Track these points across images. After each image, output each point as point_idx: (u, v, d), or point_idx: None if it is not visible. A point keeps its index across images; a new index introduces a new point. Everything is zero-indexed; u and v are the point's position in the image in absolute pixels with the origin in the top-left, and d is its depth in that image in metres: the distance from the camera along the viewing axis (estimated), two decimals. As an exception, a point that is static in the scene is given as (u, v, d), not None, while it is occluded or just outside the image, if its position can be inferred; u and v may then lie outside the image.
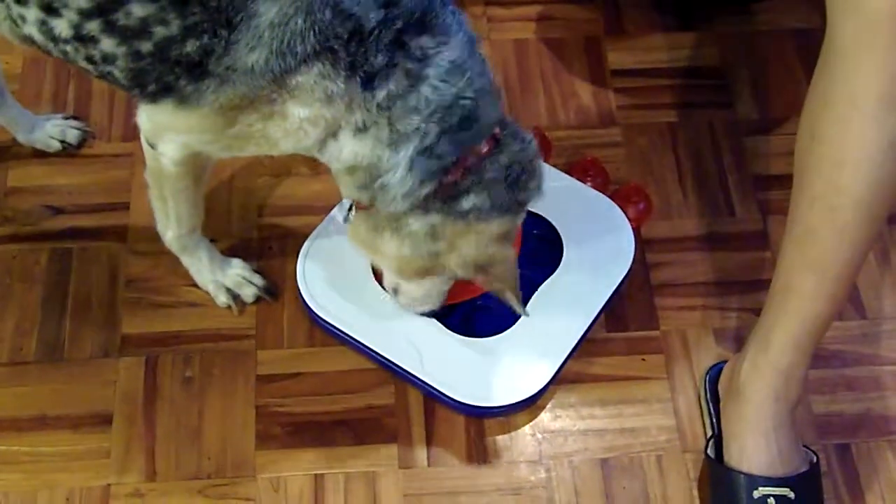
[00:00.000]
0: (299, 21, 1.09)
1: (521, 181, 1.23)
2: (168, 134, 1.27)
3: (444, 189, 1.20)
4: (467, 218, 1.22)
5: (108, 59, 1.16)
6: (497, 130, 1.21)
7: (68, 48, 1.17)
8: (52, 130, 1.67)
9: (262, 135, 1.19)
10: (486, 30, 1.85)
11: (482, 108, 1.18)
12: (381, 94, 1.13)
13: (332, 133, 1.18)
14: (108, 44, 1.14)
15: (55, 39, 1.17)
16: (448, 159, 1.18)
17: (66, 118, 1.69)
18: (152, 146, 1.30)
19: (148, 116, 1.26)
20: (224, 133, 1.20)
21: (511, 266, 1.26)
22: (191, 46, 1.12)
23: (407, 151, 1.16)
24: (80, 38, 1.15)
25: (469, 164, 1.20)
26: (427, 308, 1.41)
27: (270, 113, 1.16)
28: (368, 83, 1.12)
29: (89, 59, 1.17)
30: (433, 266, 1.28)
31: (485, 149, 1.20)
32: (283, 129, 1.18)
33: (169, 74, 1.15)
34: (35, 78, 1.76)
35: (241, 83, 1.13)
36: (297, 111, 1.15)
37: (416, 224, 1.24)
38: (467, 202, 1.21)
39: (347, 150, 1.19)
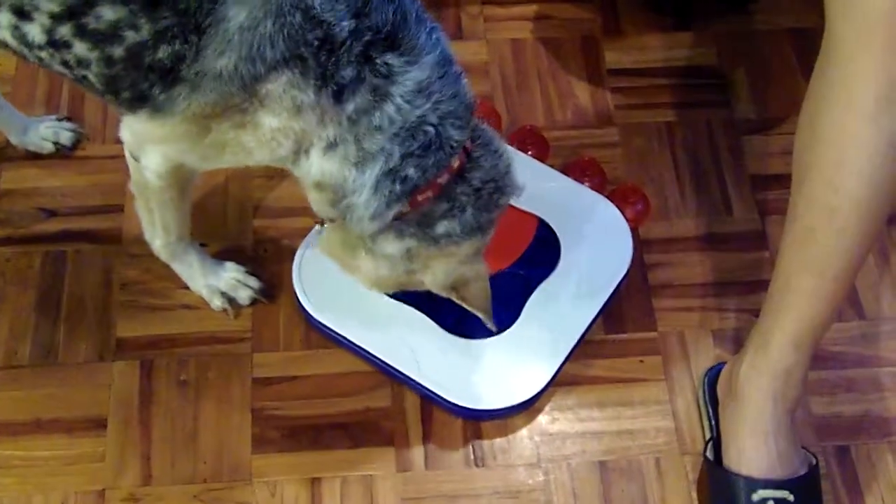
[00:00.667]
0: (269, 25, 1.07)
1: (492, 200, 1.23)
2: (148, 145, 1.26)
3: (416, 210, 1.19)
4: (440, 243, 1.23)
5: (82, 63, 1.15)
6: (468, 144, 1.20)
7: (43, 54, 1.16)
8: (45, 132, 1.66)
9: (237, 144, 1.18)
10: (483, 29, 1.84)
11: (446, 133, 1.15)
12: (349, 108, 1.12)
13: (305, 148, 1.16)
14: (80, 48, 1.13)
15: (29, 45, 1.16)
16: (412, 183, 1.16)
17: (60, 120, 1.68)
18: (136, 159, 1.30)
19: (129, 128, 1.26)
20: (200, 142, 1.19)
21: (483, 282, 1.28)
22: (163, 52, 1.10)
23: (373, 172, 1.15)
24: (54, 43, 1.14)
25: (440, 181, 1.18)
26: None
27: (242, 122, 1.15)
28: (339, 95, 1.11)
29: (65, 64, 1.16)
30: (409, 282, 1.29)
31: (456, 164, 1.19)
32: (255, 139, 1.16)
33: (143, 81, 1.14)
34: (28, 80, 1.75)
35: (211, 90, 1.12)
36: (268, 121, 1.14)
37: (392, 248, 1.24)
38: (441, 227, 1.21)
39: (316, 167, 1.18)
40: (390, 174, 1.15)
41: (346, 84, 1.10)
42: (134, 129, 1.24)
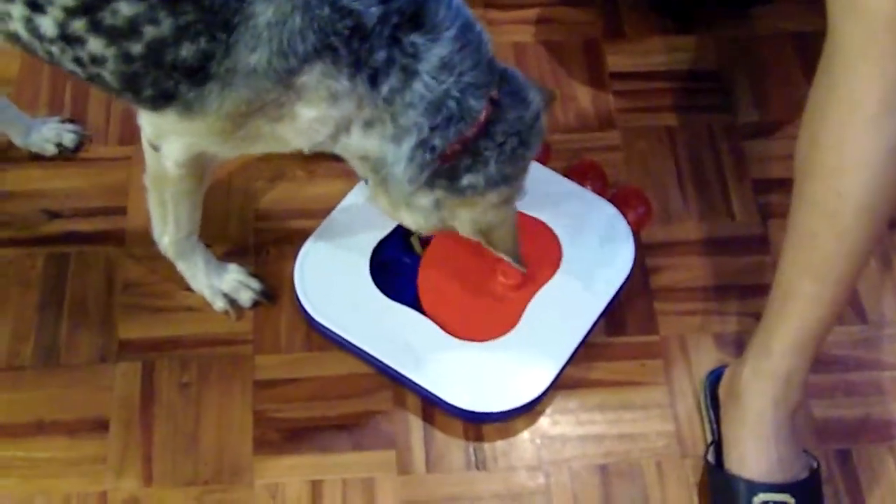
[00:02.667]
0: (297, 19, 1.09)
1: (516, 154, 1.26)
2: (172, 136, 1.26)
3: (444, 163, 1.23)
4: (465, 194, 1.27)
5: (96, 60, 1.15)
6: (494, 93, 1.23)
7: (54, 48, 1.16)
8: (49, 134, 1.66)
9: (273, 136, 1.21)
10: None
11: (466, 104, 1.20)
12: (385, 90, 1.16)
13: (345, 128, 1.21)
14: (95, 44, 1.13)
15: (41, 38, 1.15)
16: (439, 150, 1.21)
17: (63, 122, 1.68)
18: (155, 148, 1.30)
19: (150, 122, 1.26)
20: (233, 136, 1.20)
21: (509, 227, 1.32)
22: (187, 51, 1.11)
23: (408, 144, 1.21)
24: (66, 37, 1.13)
25: (468, 136, 1.22)
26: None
27: (280, 116, 1.17)
28: (373, 79, 1.15)
29: (77, 61, 1.16)
30: (444, 227, 1.34)
31: (482, 116, 1.22)
32: (293, 130, 1.20)
33: (166, 80, 1.14)
34: (32, 81, 1.75)
35: (244, 87, 1.13)
36: (306, 112, 1.17)
37: (424, 200, 1.28)
38: (465, 180, 1.26)
39: (357, 144, 1.23)
40: (422, 145, 1.21)
41: (379, 67, 1.14)
42: (156, 123, 1.25)
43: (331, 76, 1.13)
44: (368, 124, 1.20)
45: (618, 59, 1.82)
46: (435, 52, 1.16)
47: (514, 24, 1.86)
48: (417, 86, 1.16)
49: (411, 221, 1.33)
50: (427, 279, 1.52)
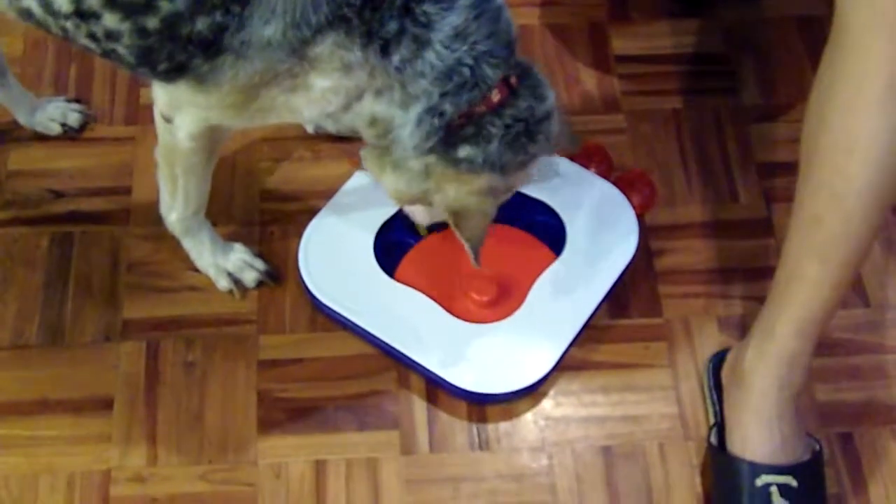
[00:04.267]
0: None
1: (519, 142, 1.24)
2: (186, 107, 1.27)
3: (447, 133, 1.22)
4: (459, 166, 1.25)
5: (111, 36, 1.15)
6: (514, 80, 1.22)
7: (68, 24, 1.16)
8: (54, 113, 1.66)
9: (286, 107, 1.21)
10: None
11: (481, 72, 1.19)
12: (396, 59, 1.16)
13: (357, 97, 1.21)
14: (110, 20, 1.13)
15: (55, 14, 1.15)
16: (448, 117, 1.21)
17: (68, 101, 1.68)
18: (168, 120, 1.30)
19: (165, 92, 1.26)
20: (247, 108, 1.21)
21: (484, 220, 1.28)
22: (202, 24, 1.11)
23: (416, 110, 1.20)
24: (81, 13, 1.13)
25: (478, 110, 1.21)
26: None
27: (293, 86, 1.18)
28: (385, 49, 1.15)
29: (91, 37, 1.16)
30: (421, 199, 1.32)
31: (496, 98, 1.21)
32: (307, 100, 1.20)
33: (181, 53, 1.14)
34: (37, 60, 1.75)
35: (258, 59, 1.14)
36: (319, 82, 1.17)
37: (415, 163, 1.26)
38: (462, 151, 1.24)
39: (367, 109, 1.23)
40: (431, 111, 1.20)
41: (390, 38, 1.14)
42: (170, 93, 1.25)
43: (344, 47, 1.13)
44: (379, 92, 1.20)
45: (623, 42, 1.81)
46: (448, 20, 1.15)
47: (520, 7, 1.85)
48: (429, 55, 1.16)
49: (392, 186, 1.31)
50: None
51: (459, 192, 1.26)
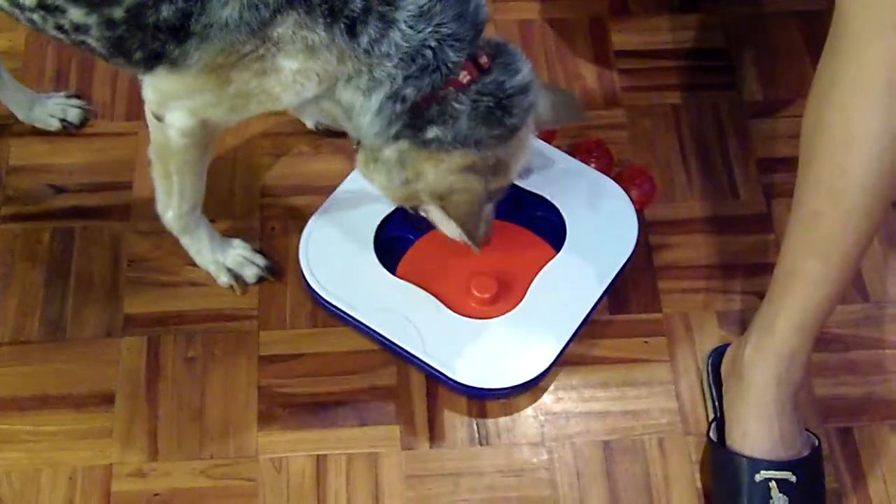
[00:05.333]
0: None
1: (493, 116, 1.23)
2: (172, 102, 1.27)
3: (413, 116, 1.21)
4: (430, 147, 1.23)
5: (80, 28, 1.15)
6: (484, 59, 1.21)
7: (35, 17, 1.16)
8: (53, 109, 1.66)
9: (262, 91, 1.21)
10: (491, 10, 1.79)
11: (443, 55, 1.18)
12: (364, 41, 1.15)
13: (334, 83, 1.20)
14: (75, 13, 1.14)
15: (20, 7, 1.16)
16: (410, 101, 1.20)
17: (68, 97, 1.68)
18: (159, 118, 1.30)
19: (151, 87, 1.26)
20: (224, 93, 1.21)
21: (471, 198, 1.26)
22: (167, 11, 1.12)
23: (378, 97, 1.19)
24: (45, 6, 1.14)
25: (442, 93, 1.20)
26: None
27: (263, 69, 1.17)
28: (352, 30, 1.14)
29: (59, 29, 1.17)
30: (410, 195, 1.30)
31: (466, 79, 1.20)
32: (279, 84, 1.19)
33: (153, 41, 1.15)
34: (37, 56, 1.75)
35: (219, 39, 1.14)
36: (287, 64, 1.17)
37: (388, 152, 1.26)
38: (431, 132, 1.23)
39: (339, 96, 1.22)
40: (393, 96, 1.19)
41: (356, 17, 1.13)
42: (157, 87, 1.26)
43: (305, 27, 1.12)
44: (349, 78, 1.19)
45: (623, 37, 1.81)
46: None
47: (520, 2, 1.86)
48: (395, 35, 1.15)
49: (378, 182, 1.31)
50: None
51: (438, 173, 1.25)
